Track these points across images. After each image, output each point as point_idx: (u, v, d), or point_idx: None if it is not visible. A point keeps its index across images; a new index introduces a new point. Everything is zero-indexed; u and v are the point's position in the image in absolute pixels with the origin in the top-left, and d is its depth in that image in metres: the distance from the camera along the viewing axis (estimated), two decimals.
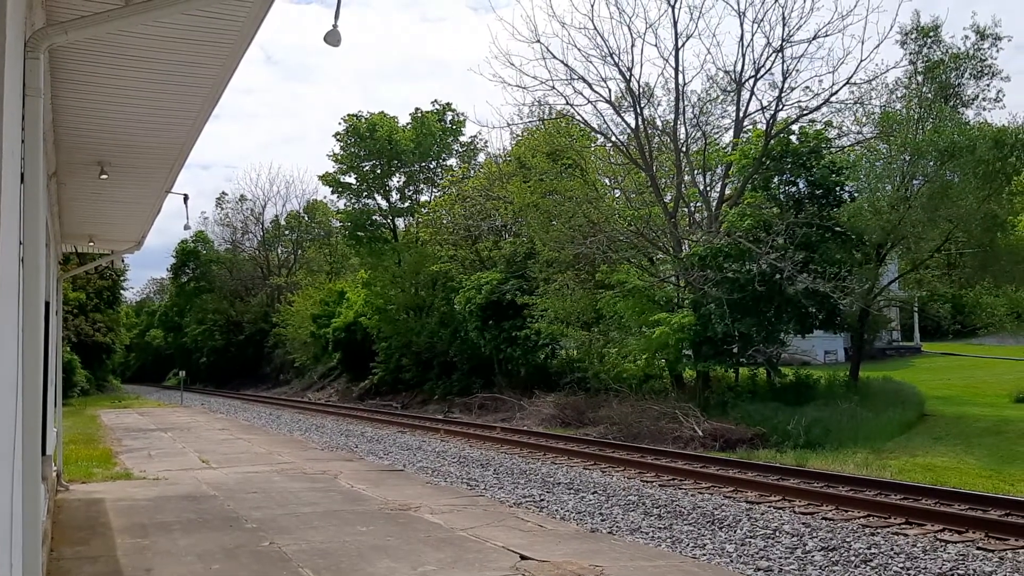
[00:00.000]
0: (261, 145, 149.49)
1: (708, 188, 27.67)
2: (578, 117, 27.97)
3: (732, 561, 9.53)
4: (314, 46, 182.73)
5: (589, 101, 28.88)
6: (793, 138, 24.71)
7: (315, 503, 11.04)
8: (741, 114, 26.07)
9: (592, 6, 34.87)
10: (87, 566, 7.67)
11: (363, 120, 44.76)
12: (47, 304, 7.51)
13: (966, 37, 24.05)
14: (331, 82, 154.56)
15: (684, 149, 26.61)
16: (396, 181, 45.94)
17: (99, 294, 50.31)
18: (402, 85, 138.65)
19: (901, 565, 9.10)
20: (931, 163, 22.35)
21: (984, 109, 24.58)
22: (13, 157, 3.49)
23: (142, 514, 10.26)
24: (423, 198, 45.38)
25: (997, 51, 23.98)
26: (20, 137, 3.98)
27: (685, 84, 29.93)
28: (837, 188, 24.01)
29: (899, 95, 24.95)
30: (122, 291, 57.32)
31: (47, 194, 8.04)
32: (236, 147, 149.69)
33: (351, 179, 46.18)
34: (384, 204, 46.49)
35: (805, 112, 24.94)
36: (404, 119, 45.36)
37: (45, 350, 6.81)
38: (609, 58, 25.75)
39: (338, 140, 45.35)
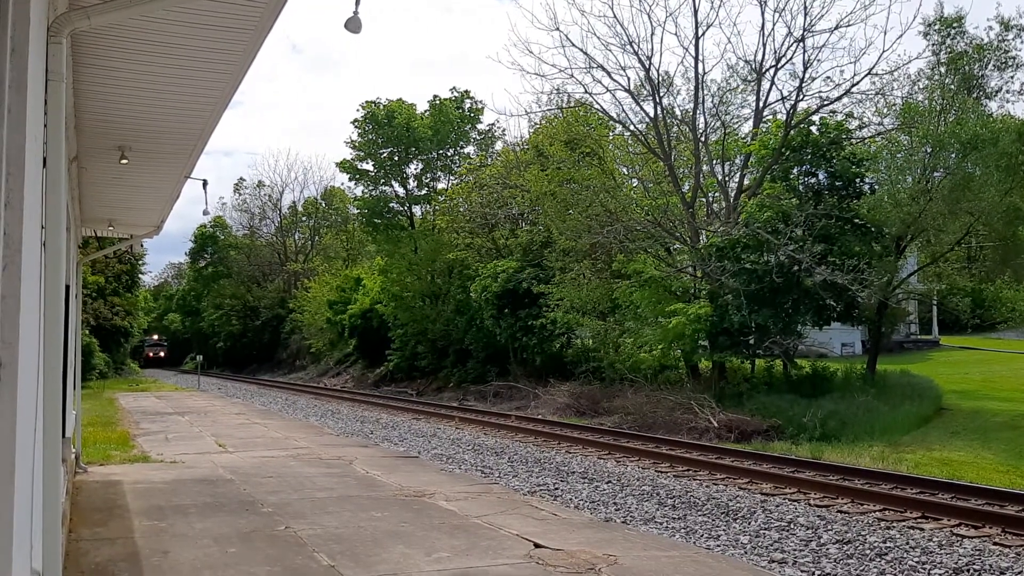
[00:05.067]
0: (284, 132, 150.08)
1: (727, 178, 27.51)
2: (596, 106, 27.88)
3: (746, 553, 9.52)
4: (337, 35, 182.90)
5: (608, 90, 28.96)
6: (813, 129, 24.53)
7: (330, 488, 11.10)
8: (761, 104, 25.91)
9: None
10: (105, 547, 7.74)
11: (381, 107, 44.73)
12: (67, 288, 7.57)
13: (990, 28, 23.87)
14: (353, 70, 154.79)
15: (703, 139, 26.46)
16: (413, 168, 45.93)
17: (118, 278, 50.61)
18: (423, 73, 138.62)
19: (916, 559, 9.07)
20: (953, 155, 22.17)
21: (1008, 101, 24.47)
22: (36, 141, 3.50)
23: (159, 497, 10.35)
24: (440, 186, 45.36)
25: (1022, 42, 23.75)
26: (43, 122, 4.00)
27: (705, 73, 29.82)
28: (857, 180, 23.84)
29: (921, 86, 24.72)
30: (140, 275, 57.66)
31: (68, 178, 8.09)
32: (259, 134, 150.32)
33: (368, 166, 46.20)
34: (401, 191, 46.51)
35: (826, 103, 24.75)
36: (422, 106, 45.38)
37: (65, 333, 6.86)
38: (628, 47, 25.68)
39: (356, 127, 45.36)
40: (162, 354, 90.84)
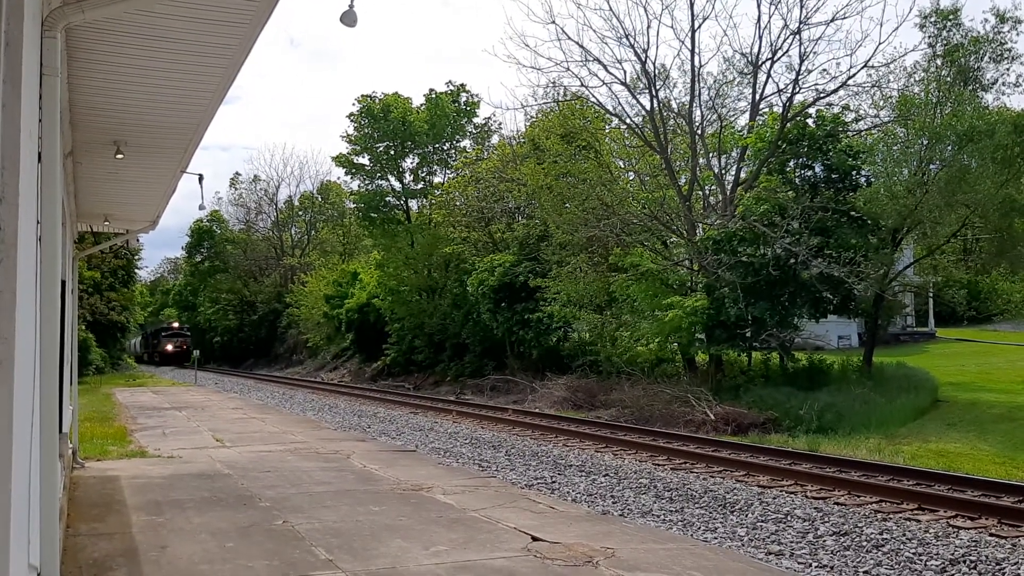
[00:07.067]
0: (280, 127, 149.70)
1: (723, 171, 27.51)
2: (593, 99, 27.79)
3: (743, 545, 9.54)
4: (335, 29, 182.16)
5: (604, 83, 28.73)
6: (810, 121, 24.53)
7: (328, 483, 11.10)
8: (757, 97, 25.87)
9: None
10: (103, 542, 7.74)
11: (377, 101, 44.59)
12: (63, 283, 7.56)
13: (986, 20, 23.77)
14: (350, 64, 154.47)
15: (699, 132, 26.44)
16: (410, 162, 45.81)
17: (114, 273, 50.49)
18: (420, 66, 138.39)
19: (913, 551, 9.09)
20: (949, 147, 22.16)
21: (1004, 93, 24.32)
22: (31, 137, 3.49)
23: (157, 492, 10.34)
24: (436, 180, 45.26)
25: (1017, 35, 23.70)
26: (38, 116, 3.99)
27: (701, 66, 29.74)
28: (853, 172, 23.86)
29: (917, 79, 24.66)
30: (137, 270, 57.45)
31: (63, 173, 8.07)
32: (255, 129, 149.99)
33: (365, 160, 46.09)
34: (398, 185, 46.39)
35: (822, 95, 24.74)
36: (418, 100, 45.26)
37: (61, 329, 6.85)
38: (624, 39, 25.61)
39: (352, 121, 45.24)
40: (183, 347, 73.85)
